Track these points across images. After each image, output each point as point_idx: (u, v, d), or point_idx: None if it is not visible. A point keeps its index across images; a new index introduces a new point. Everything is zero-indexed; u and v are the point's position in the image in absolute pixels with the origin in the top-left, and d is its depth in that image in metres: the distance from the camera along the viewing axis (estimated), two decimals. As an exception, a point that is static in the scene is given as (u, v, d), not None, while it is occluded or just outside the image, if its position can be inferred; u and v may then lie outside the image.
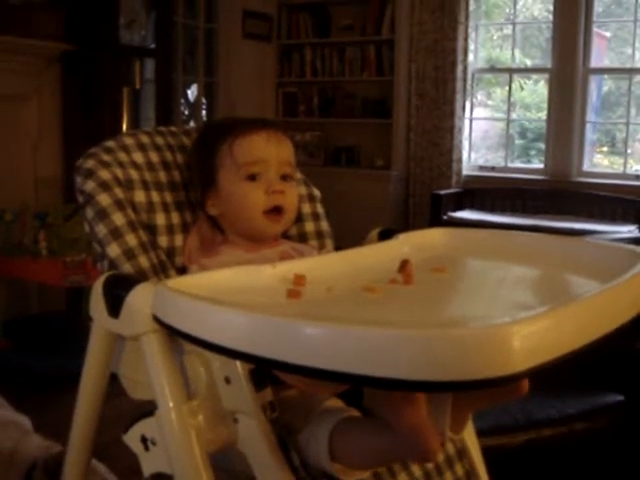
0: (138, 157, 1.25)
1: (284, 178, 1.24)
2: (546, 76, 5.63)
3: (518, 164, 5.97)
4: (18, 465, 1.88)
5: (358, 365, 0.69)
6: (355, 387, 1.05)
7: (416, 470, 1.17)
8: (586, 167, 5.50)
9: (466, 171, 5.78)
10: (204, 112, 5.82)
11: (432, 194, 5.39)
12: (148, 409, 1.00)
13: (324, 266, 1.07)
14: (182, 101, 5.65)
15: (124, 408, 1.31)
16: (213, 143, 1.24)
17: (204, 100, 5.81)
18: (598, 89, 5.73)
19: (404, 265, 1.04)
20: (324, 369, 0.71)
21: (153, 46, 4.84)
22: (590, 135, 5.61)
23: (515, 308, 0.89)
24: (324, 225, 1.42)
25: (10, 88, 3.97)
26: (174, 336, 0.95)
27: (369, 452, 0.99)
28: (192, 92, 5.80)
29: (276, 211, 1.22)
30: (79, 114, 4.29)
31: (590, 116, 5.57)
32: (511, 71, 5.86)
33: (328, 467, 1.01)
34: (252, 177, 1.21)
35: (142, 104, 4.94)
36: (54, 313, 4.16)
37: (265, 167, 1.21)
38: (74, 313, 3.99)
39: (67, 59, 4.21)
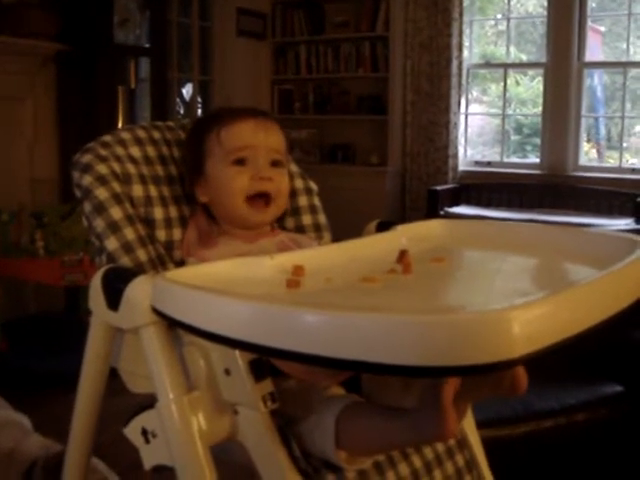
0: (135, 151, 1.25)
1: (274, 164, 1.23)
2: (541, 71, 5.63)
3: (514, 159, 5.97)
4: (18, 464, 1.88)
5: (358, 351, 0.69)
6: (355, 375, 1.06)
7: (416, 460, 1.17)
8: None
9: (462, 167, 5.78)
10: (199, 110, 5.81)
11: (428, 190, 5.39)
12: (148, 402, 1.00)
13: (323, 257, 1.07)
14: (177, 100, 5.65)
15: (123, 406, 1.31)
16: (202, 132, 1.25)
17: (199, 98, 5.80)
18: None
19: (402, 255, 1.04)
20: (324, 356, 0.71)
21: (147, 45, 4.83)
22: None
23: (514, 295, 0.88)
24: (321, 218, 1.42)
25: (5, 88, 3.96)
26: (173, 328, 0.95)
27: (378, 435, 1.00)
28: (187, 91, 5.80)
29: (260, 197, 1.21)
30: (74, 114, 4.28)
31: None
32: (506, 66, 5.86)
33: (332, 455, 1.01)
34: (240, 162, 1.21)
35: (137, 103, 4.93)
36: (52, 313, 4.15)
37: (253, 153, 1.21)
38: (72, 312, 3.98)
39: (61, 59, 4.20)
